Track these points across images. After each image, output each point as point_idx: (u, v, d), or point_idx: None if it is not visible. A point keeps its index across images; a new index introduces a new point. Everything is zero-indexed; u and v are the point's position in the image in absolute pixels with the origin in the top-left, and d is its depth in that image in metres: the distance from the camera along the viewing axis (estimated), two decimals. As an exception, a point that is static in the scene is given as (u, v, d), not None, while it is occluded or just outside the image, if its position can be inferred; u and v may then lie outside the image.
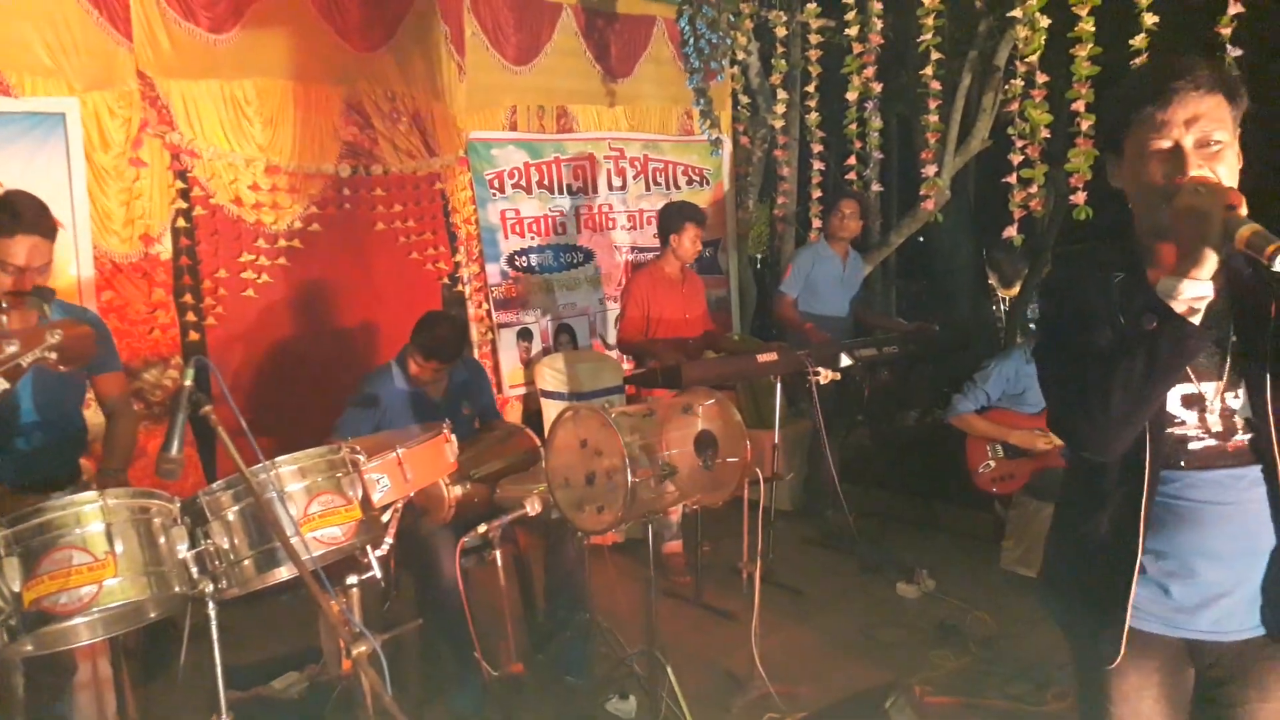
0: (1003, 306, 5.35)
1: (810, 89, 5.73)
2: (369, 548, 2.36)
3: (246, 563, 2.07)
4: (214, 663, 2.05)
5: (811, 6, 5.56)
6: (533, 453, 3.38)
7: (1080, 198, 4.43)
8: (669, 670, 2.91)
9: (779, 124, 6.03)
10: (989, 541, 4.47)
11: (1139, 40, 4.22)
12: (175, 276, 4.34)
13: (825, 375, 4.40)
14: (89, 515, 1.93)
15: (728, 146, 6.60)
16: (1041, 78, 4.63)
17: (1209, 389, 1.50)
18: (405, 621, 2.93)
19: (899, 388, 5.77)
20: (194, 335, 4.37)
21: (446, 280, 5.25)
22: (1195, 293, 1.33)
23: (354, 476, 2.24)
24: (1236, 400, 1.50)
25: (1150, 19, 4.18)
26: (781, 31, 5.70)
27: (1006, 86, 5.08)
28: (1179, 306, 1.34)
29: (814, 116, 5.75)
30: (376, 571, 2.40)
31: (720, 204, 6.72)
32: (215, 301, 4.44)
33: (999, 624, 3.76)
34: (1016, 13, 4.56)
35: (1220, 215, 1.30)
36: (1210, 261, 1.33)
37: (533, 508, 2.94)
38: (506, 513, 3.00)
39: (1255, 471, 1.50)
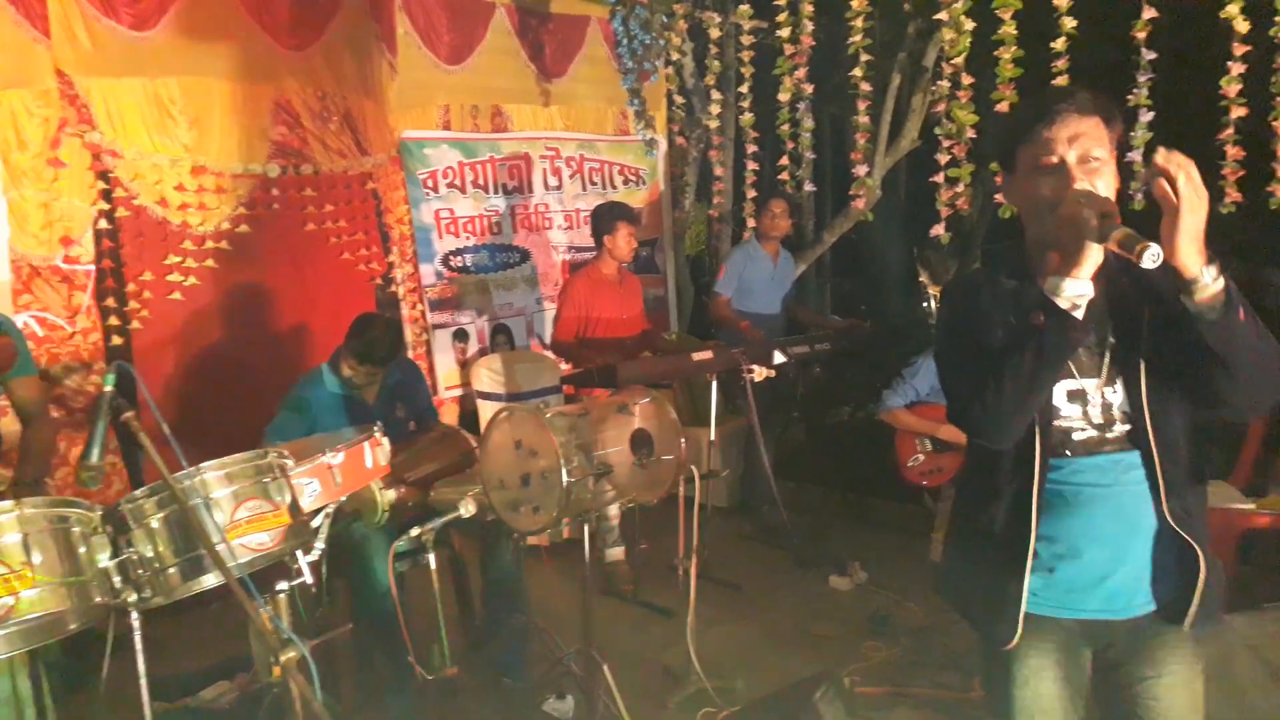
0: (933, 303, 5.48)
1: (744, 90, 5.78)
2: (300, 553, 2.33)
3: (171, 571, 2.03)
4: (138, 674, 2.01)
5: (744, 8, 5.60)
6: (468, 455, 3.36)
7: (1005, 196, 4.53)
8: (605, 669, 2.93)
9: (714, 124, 6.07)
10: (919, 534, 4.56)
11: (1059, 44, 4.35)
12: (98, 280, 4.23)
13: (759, 372, 4.45)
14: (5, 525, 1.87)
15: (663, 146, 6.63)
16: (967, 79, 4.74)
17: (1090, 385, 1.65)
18: (340, 627, 2.90)
19: (832, 384, 5.85)
20: (118, 340, 4.27)
21: (380, 281, 5.20)
22: (1076, 291, 1.50)
23: (282, 482, 2.21)
24: (1115, 395, 1.64)
25: (1069, 23, 4.32)
26: (715, 33, 5.75)
27: (934, 88, 5.19)
28: (1063, 303, 1.50)
29: (748, 117, 5.79)
30: (308, 577, 2.37)
31: (657, 204, 6.75)
32: (140, 305, 4.34)
33: (929, 615, 3.85)
34: (942, 15, 4.66)
35: (1097, 221, 1.44)
36: (1089, 262, 1.49)
37: (467, 510, 2.93)
38: (441, 515, 2.99)
39: (1133, 456, 1.63)
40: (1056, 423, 1.65)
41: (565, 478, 2.60)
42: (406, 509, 3.14)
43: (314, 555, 2.42)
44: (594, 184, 6.34)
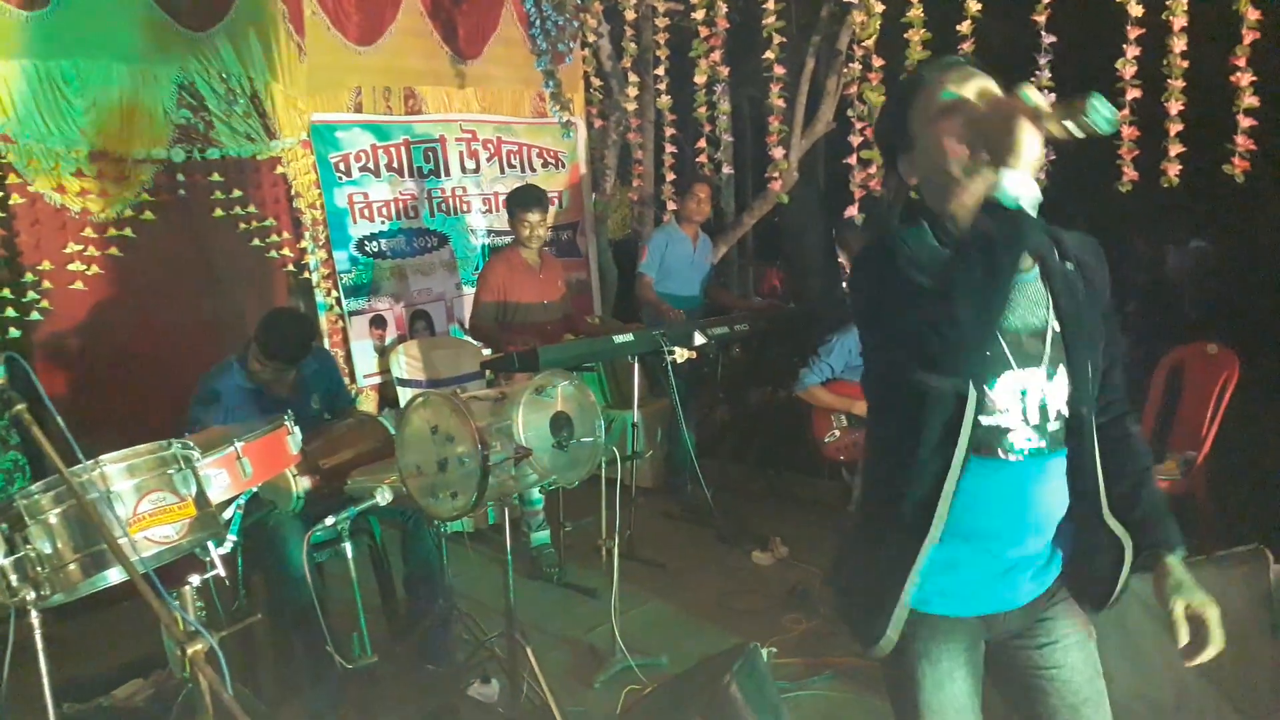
0: (852, 283, 5.60)
1: (660, 72, 5.77)
2: (210, 545, 2.28)
3: (72, 567, 1.97)
4: (40, 676, 1.95)
5: (659, -10, 5.61)
6: (385, 442, 3.33)
7: (917, 176, 4.63)
8: (529, 651, 2.94)
9: (631, 107, 6.07)
10: (837, 508, 4.67)
11: (965, 26, 4.47)
12: (-9, 270, 4.07)
13: (681, 354, 4.49)
14: (-110, 526, 1.81)
15: (582, 129, 6.60)
16: (878, 61, 4.83)
17: (1030, 376, 1.53)
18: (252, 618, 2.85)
19: (753, 365, 5.93)
20: (15, 332, 4.10)
21: (292, 268, 5.08)
22: (1019, 181, 1.35)
23: (188, 473, 2.16)
24: (1055, 388, 1.54)
25: (975, 6, 4.45)
26: (631, 15, 5.73)
27: (846, 70, 5.26)
28: (1008, 199, 1.35)
29: (665, 100, 5.80)
30: (220, 569, 2.33)
31: (577, 186, 6.73)
32: (40, 296, 4.18)
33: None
34: (853, -2, 4.74)
35: (1022, 102, 1.37)
36: (1026, 150, 1.35)
37: (383, 498, 2.90)
38: (357, 503, 2.96)
39: (1060, 460, 1.56)
40: (988, 419, 1.52)
41: (483, 462, 2.59)
42: (322, 497, 3.10)
43: (226, 547, 2.38)
44: (513, 166, 6.29)
